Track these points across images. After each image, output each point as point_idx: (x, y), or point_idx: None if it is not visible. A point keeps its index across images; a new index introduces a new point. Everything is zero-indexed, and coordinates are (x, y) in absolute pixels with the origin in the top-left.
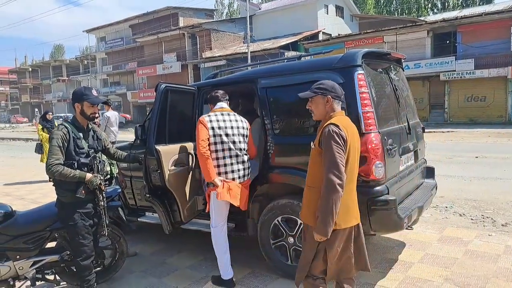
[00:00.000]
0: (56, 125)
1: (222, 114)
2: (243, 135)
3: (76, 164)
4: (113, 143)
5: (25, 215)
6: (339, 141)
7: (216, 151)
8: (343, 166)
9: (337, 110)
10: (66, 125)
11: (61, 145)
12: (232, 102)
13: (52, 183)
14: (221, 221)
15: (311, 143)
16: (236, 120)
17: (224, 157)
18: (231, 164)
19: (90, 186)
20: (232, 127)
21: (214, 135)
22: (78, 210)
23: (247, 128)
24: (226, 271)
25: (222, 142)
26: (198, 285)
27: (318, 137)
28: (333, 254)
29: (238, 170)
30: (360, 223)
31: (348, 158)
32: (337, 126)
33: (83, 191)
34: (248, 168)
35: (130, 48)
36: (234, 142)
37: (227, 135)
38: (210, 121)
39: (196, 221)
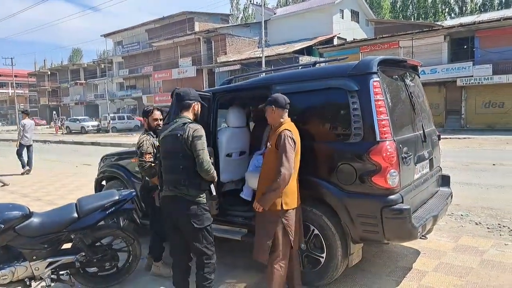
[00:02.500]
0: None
1: None
2: None
3: None
4: (28, 146)
5: (42, 216)
6: (291, 143)
7: None
8: (293, 161)
9: (285, 118)
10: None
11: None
12: (247, 107)
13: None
14: None
15: (268, 144)
16: None
17: None
18: None
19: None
20: None
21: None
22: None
23: None
24: None
25: None
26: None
27: (274, 139)
28: (295, 228)
29: None
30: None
31: (296, 156)
32: (290, 131)
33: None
34: None
35: (146, 52)
36: None
37: None
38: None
39: None
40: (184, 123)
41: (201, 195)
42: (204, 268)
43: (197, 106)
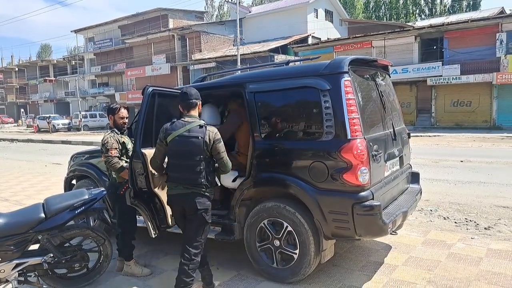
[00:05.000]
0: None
1: None
2: None
3: None
4: None
5: (7, 216)
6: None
7: None
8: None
9: None
10: None
11: None
12: (220, 105)
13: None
14: None
15: None
16: None
17: None
18: None
19: None
20: None
21: None
22: None
23: None
24: None
25: None
26: None
27: None
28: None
29: None
30: None
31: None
32: None
33: None
34: None
35: (119, 49)
36: None
37: None
38: None
39: None
40: (201, 125)
41: (212, 193)
42: (190, 264)
43: (200, 105)
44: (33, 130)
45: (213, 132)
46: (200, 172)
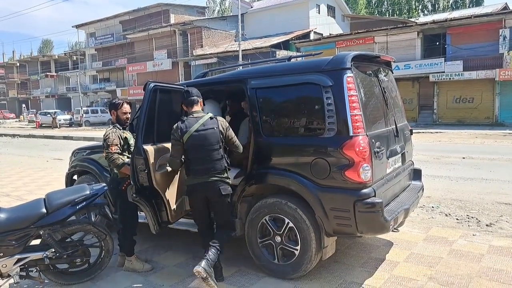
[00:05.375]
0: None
1: None
2: None
3: None
4: None
5: (9, 212)
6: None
7: None
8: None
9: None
10: None
11: None
12: (221, 101)
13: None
14: None
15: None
16: None
17: None
18: None
19: None
20: None
21: None
22: None
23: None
24: None
25: None
26: (185, 284)
27: None
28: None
29: None
30: None
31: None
32: None
33: None
34: None
35: (120, 45)
36: None
37: None
38: None
39: (184, 221)
40: (211, 117)
41: (230, 180)
42: (224, 225)
43: (201, 102)
44: (35, 126)
45: (222, 121)
46: (222, 158)
